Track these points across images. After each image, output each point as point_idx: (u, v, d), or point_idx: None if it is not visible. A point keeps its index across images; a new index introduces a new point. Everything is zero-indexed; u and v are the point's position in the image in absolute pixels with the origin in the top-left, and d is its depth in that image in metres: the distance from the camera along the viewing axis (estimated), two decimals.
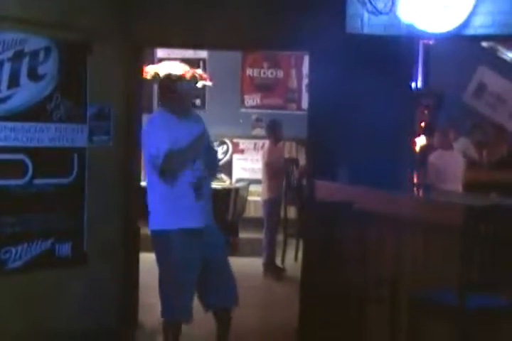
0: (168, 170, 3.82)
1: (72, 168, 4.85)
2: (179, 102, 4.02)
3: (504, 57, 7.84)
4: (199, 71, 10.66)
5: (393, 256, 4.37)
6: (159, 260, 4.03)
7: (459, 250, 3.46)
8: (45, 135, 4.68)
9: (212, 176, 4.37)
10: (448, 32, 5.10)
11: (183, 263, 3.91)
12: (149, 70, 10.02)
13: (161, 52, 10.66)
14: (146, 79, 9.38)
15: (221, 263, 4.08)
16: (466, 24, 5.06)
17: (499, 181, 6.87)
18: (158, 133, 3.90)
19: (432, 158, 6.92)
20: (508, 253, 3.49)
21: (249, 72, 11.03)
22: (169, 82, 4.16)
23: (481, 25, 5.07)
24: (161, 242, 3.97)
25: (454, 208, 3.91)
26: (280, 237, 7.61)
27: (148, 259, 6.51)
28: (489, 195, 5.70)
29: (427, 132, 8.28)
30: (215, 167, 4.27)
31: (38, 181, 4.64)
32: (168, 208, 3.93)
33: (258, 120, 10.64)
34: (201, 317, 4.22)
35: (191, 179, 3.93)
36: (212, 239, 4.04)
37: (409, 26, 5.10)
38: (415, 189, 5.79)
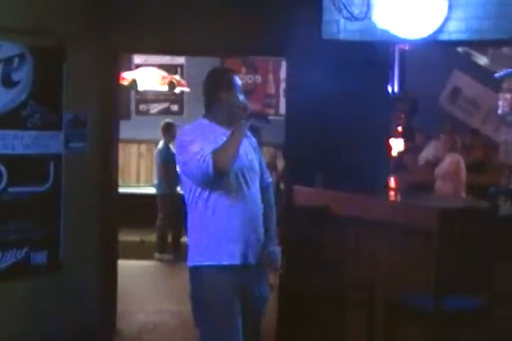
0: (221, 167, 2.98)
1: (48, 175, 4.78)
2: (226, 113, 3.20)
3: (478, 61, 7.90)
4: (177, 77, 10.66)
5: (370, 260, 4.37)
6: (196, 306, 3.14)
7: (434, 253, 3.47)
8: (20, 142, 4.60)
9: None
10: (423, 37, 5.12)
11: (220, 308, 3.08)
12: (126, 76, 10.00)
13: (138, 59, 10.62)
14: (123, 86, 9.38)
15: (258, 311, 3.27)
16: (440, 30, 5.08)
17: (474, 184, 6.92)
18: (200, 140, 3.09)
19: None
20: (482, 255, 3.50)
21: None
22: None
23: (455, 30, 5.10)
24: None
25: (429, 211, 3.92)
26: None
27: (126, 266, 6.52)
28: (465, 197, 5.75)
29: (404, 136, 8.34)
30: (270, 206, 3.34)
31: (13, 189, 4.55)
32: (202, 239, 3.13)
33: None
34: None
35: (239, 210, 3.11)
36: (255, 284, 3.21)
37: (385, 32, 5.11)
38: (393, 193, 5.82)
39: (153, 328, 5.38)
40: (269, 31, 5.10)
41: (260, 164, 3.32)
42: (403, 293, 3.74)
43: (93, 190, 5.08)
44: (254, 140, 3.36)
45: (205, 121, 3.24)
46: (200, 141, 3.06)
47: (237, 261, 3.08)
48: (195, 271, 3.11)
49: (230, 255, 3.07)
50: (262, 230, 3.18)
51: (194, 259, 3.13)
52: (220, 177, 3.01)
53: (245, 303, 3.13)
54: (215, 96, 3.20)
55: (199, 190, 3.10)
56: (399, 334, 3.68)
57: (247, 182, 3.15)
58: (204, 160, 2.97)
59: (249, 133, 3.27)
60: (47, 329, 4.77)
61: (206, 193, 3.09)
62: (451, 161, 6.87)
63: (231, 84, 3.21)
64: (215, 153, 2.99)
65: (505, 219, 3.81)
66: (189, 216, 3.16)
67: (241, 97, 3.22)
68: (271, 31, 5.09)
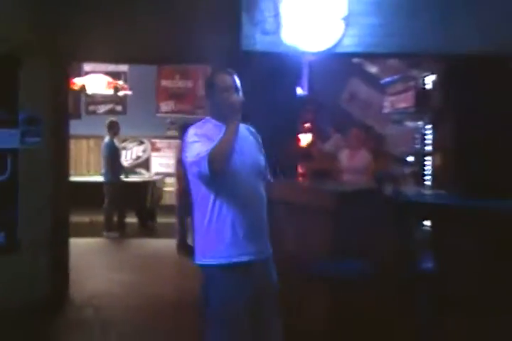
0: (215, 167, 2.57)
1: (7, 166, 4.65)
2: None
3: (370, 70, 8.10)
4: (120, 82, 10.49)
5: (283, 235, 4.41)
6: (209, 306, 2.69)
7: (332, 228, 3.55)
8: None
9: None
10: (323, 50, 5.21)
11: (230, 310, 2.62)
12: (77, 82, 9.76)
13: (87, 66, 10.39)
14: (74, 90, 9.17)
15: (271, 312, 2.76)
16: (338, 44, 5.18)
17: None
18: (204, 140, 2.68)
19: (343, 156, 6.65)
20: (371, 229, 3.61)
21: (163, 82, 10.95)
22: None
23: (350, 45, 5.21)
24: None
25: (327, 193, 4.00)
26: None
27: (78, 243, 6.41)
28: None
29: (312, 131, 8.46)
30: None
31: None
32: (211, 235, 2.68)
33: (172, 123, 10.62)
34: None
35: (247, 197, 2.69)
36: (267, 277, 2.78)
37: (292, 45, 5.16)
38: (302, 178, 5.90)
39: (102, 294, 5.30)
40: (197, 43, 5.08)
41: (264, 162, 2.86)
42: (309, 261, 3.80)
43: (47, 179, 4.94)
44: (259, 137, 2.89)
45: (211, 120, 2.83)
46: (203, 141, 2.64)
47: (246, 258, 2.65)
48: (206, 269, 2.69)
49: (238, 253, 2.63)
50: (266, 228, 2.76)
51: (205, 257, 2.68)
52: (218, 176, 2.58)
53: (258, 299, 2.67)
54: (207, 97, 2.84)
55: (206, 188, 2.66)
56: (302, 298, 3.74)
57: (252, 181, 2.71)
58: (201, 162, 2.57)
59: (253, 131, 2.87)
60: (4, 300, 4.63)
61: (213, 192, 2.65)
62: (365, 156, 6.60)
63: (217, 85, 2.77)
64: (210, 152, 2.57)
65: (388, 199, 3.93)
66: (196, 213, 2.71)
67: (233, 96, 2.72)
68: (199, 43, 5.08)
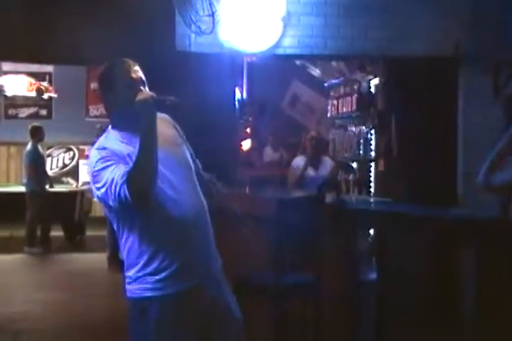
0: (140, 192, 2.10)
1: None
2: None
3: (312, 72, 8.26)
4: (45, 84, 10.29)
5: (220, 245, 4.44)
6: None
7: (273, 236, 3.60)
8: None
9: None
10: (262, 51, 5.29)
11: None
12: None
13: (6, 66, 10.16)
14: None
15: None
16: (277, 45, 5.28)
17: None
18: (113, 164, 2.16)
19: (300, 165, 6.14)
20: (313, 237, 3.68)
21: (93, 84, 10.78)
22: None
23: (289, 46, 5.32)
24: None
25: (269, 201, 4.06)
26: None
27: None
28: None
29: (252, 136, 8.56)
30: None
31: None
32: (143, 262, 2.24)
33: (102, 128, 10.47)
34: None
35: (181, 212, 2.23)
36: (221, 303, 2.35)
37: (229, 46, 5.22)
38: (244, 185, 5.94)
39: (23, 318, 5.16)
40: (128, 43, 5.07)
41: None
42: (249, 272, 3.84)
43: None
44: (176, 124, 2.40)
45: (113, 131, 2.27)
46: (115, 163, 2.15)
47: (182, 286, 2.21)
48: (138, 304, 2.23)
49: (175, 283, 2.21)
50: (212, 245, 2.37)
51: (136, 289, 2.23)
52: (146, 203, 2.13)
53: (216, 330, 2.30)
54: (104, 98, 2.26)
55: (130, 219, 2.21)
56: (245, 308, 3.77)
57: (188, 191, 2.28)
58: (119, 193, 2.08)
59: (167, 118, 2.36)
60: None
61: (139, 221, 2.20)
62: (330, 164, 6.15)
63: (118, 79, 2.24)
64: (129, 177, 2.08)
65: (329, 206, 4.02)
66: (123, 241, 2.24)
67: (143, 93, 2.19)
68: (130, 43, 5.07)
